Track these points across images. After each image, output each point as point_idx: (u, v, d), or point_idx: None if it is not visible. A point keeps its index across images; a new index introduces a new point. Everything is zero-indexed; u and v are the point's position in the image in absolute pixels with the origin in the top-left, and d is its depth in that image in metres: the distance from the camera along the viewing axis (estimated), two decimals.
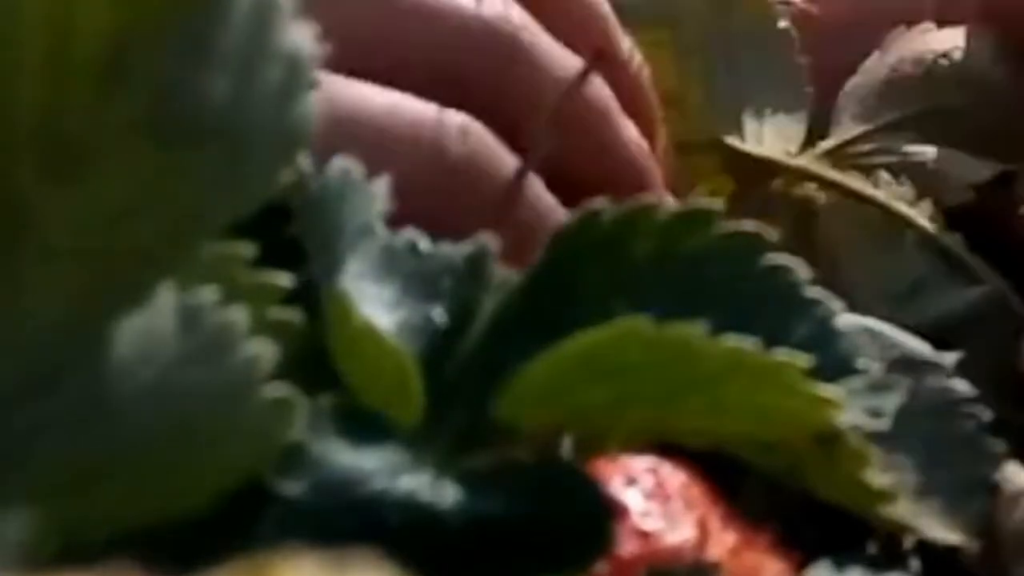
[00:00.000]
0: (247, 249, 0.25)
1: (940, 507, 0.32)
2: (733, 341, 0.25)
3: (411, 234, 0.28)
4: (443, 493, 0.25)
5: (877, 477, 0.28)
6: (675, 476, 0.29)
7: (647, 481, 0.28)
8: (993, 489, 0.33)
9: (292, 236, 0.27)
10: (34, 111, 0.22)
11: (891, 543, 0.32)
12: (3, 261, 0.22)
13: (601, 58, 0.35)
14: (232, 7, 0.22)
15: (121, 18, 0.22)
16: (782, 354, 0.26)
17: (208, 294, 0.23)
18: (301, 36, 0.23)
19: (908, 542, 0.32)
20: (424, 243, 0.28)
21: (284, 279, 0.25)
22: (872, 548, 0.32)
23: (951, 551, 0.32)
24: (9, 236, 0.22)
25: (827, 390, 0.26)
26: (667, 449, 0.29)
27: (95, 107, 0.22)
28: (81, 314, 0.23)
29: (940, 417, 0.34)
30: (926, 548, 0.32)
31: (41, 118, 0.22)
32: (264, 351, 0.24)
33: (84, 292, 0.23)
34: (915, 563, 0.32)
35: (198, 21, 0.22)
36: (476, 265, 0.28)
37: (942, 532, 0.32)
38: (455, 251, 0.28)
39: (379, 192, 0.28)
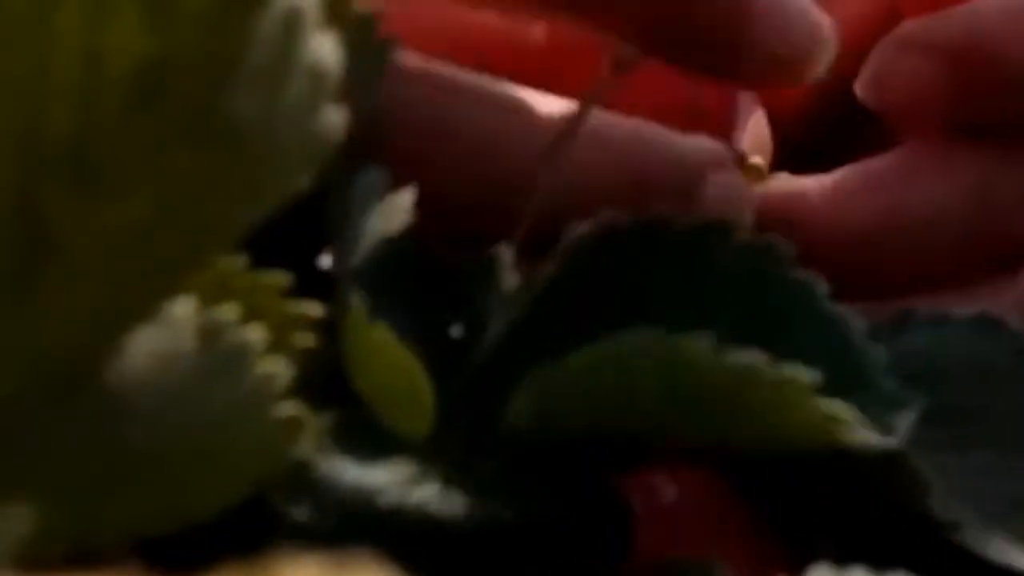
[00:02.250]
0: (281, 279, 0.25)
1: None
2: (741, 355, 0.25)
3: (426, 244, 0.28)
4: (453, 503, 0.26)
5: None
6: (697, 487, 0.29)
7: (668, 492, 0.28)
8: None
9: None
10: (63, 130, 0.22)
11: None
12: (25, 276, 0.22)
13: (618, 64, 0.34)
14: (261, 23, 0.23)
15: (153, 39, 0.22)
16: (791, 369, 0.25)
17: (227, 312, 0.24)
18: (325, 47, 0.23)
19: None
20: (439, 253, 0.28)
21: (317, 309, 0.25)
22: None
23: None
24: (32, 252, 0.22)
25: (835, 407, 0.25)
26: (691, 459, 0.29)
27: (125, 126, 0.22)
28: (100, 326, 0.23)
29: None
30: None
31: (70, 137, 0.22)
32: (279, 369, 0.24)
33: (104, 304, 0.23)
34: None
35: (229, 40, 0.22)
36: (490, 275, 0.28)
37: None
38: (469, 261, 0.28)
39: (401, 202, 0.28)
